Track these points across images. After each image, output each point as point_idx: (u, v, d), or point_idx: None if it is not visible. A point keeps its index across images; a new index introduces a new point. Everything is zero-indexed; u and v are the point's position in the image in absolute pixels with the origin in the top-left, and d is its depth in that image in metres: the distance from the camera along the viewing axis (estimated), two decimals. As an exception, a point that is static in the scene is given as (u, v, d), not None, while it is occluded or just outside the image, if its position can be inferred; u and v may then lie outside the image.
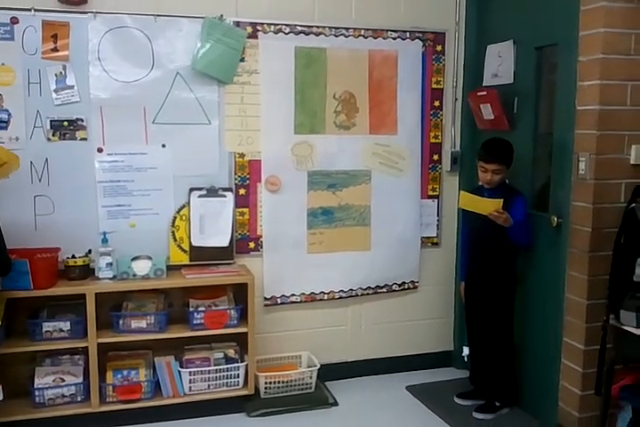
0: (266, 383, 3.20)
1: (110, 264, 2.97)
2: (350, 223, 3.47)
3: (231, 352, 3.14)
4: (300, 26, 3.26)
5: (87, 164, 3.04)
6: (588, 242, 2.66)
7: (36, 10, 2.89)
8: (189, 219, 3.18)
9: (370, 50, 3.38)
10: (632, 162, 2.66)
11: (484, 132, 3.36)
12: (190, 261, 3.19)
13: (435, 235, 3.66)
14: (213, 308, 3.08)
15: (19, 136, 2.93)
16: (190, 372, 3.04)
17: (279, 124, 3.28)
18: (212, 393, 3.08)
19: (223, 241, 3.21)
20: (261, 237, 3.33)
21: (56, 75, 2.96)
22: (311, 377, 3.30)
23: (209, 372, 3.07)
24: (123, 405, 2.95)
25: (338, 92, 3.35)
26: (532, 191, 3.13)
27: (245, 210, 3.30)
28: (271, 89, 3.25)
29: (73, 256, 2.96)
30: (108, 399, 2.95)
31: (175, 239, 3.18)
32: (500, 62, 3.28)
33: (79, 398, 2.93)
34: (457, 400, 3.28)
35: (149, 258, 3.03)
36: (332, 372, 3.47)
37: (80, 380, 2.93)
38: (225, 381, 3.10)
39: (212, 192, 3.20)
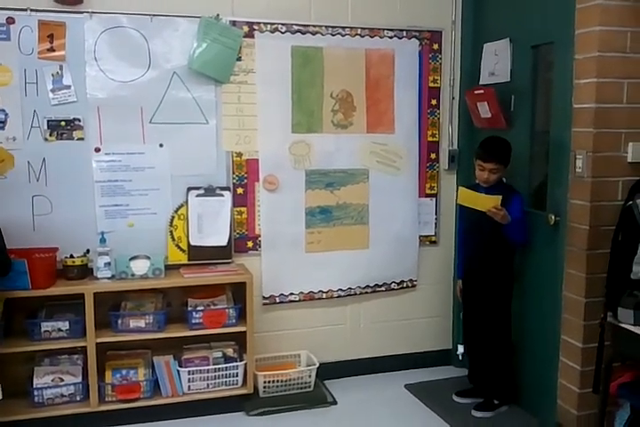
0: (265, 382, 3.18)
1: (108, 264, 2.95)
2: (348, 222, 3.45)
3: (230, 351, 3.12)
4: (297, 25, 3.24)
5: (85, 163, 3.02)
6: (585, 240, 2.65)
7: (31, 10, 2.87)
8: (187, 218, 3.16)
9: (366, 49, 3.36)
10: (629, 160, 2.64)
11: (482, 131, 3.35)
12: (189, 260, 3.17)
13: (433, 233, 3.64)
14: (212, 307, 3.07)
15: (16, 136, 2.91)
16: (189, 371, 3.03)
17: (276, 124, 3.27)
18: (210, 392, 3.07)
19: (221, 240, 3.19)
20: (260, 236, 3.31)
21: (53, 75, 2.94)
22: (310, 376, 3.28)
23: (208, 371, 3.05)
24: (122, 404, 2.94)
25: (335, 91, 3.34)
26: (529, 189, 3.12)
27: (243, 209, 3.28)
28: (268, 88, 3.23)
29: (71, 256, 2.95)
30: (107, 399, 2.94)
31: (173, 239, 3.16)
32: (497, 61, 3.27)
33: (78, 398, 2.91)
34: (455, 398, 3.26)
35: (148, 258, 3.01)
36: (330, 370, 3.45)
37: (79, 379, 2.91)
38: (224, 380, 3.08)
39: (210, 191, 3.18)
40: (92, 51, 2.97)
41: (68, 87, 2.96)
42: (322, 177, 3.38)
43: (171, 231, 3.16)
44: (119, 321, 2.94)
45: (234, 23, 3.14)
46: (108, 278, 2.96)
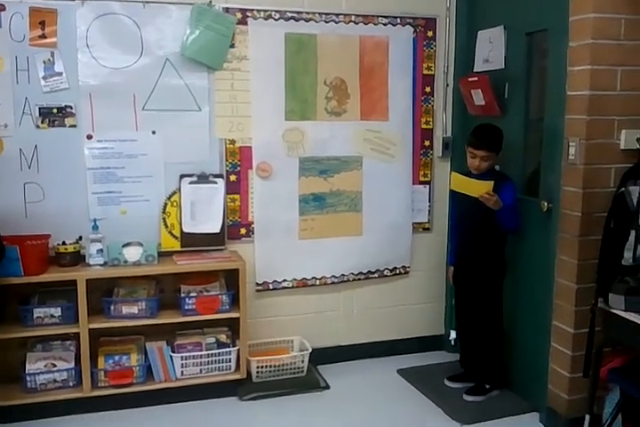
0: (258, 367, 3.16)
1: (101, 251, 2.91)
2: (342, 209, 3.40)
3: (223, 337, 3.09)
4: (290, 12, 3.17)
5: (77, 151, 2.97)
6: (577, 227, 2.62)
7: (23, -4, 2.80)
8: (180, 205, 3.11)
9: (360, 36, 3.29)
10: (622, 147, 2.59)
11: (476, 118, 3.29)
12: (182, 247, 3.12)
13: (426, 220, 3.60)
14: (205, 293, 3.03)
15: (7, 123, 2.85)
16: (182, 357, 2.99)
17: (270, 111, 3.20)
18: (203, 378, 3.04)
19: (214, 227, 3.15)
20: (253, 223, 3.27)
21: (44, 62, 2.87)
22: (303, 361, 3.25)
23: (201, 357, 3.02)
24: (114, 389, 2.91)
25: (329, 78, 3.27)
26: (522, 177, 3.07)
27: (236, 196, 3.23)
28: (261, 75, 3.16)
29: (63, 243, 2.90)
30: (99, 384, 2.91)
31: (166, 226, 3.11)
32: (491, 48, 3.21)
33: (71, 384, 2.88)
34: (447, 383, 3.24)
35: (140, 244, 2.97)
36: (323, 356, 3.42)
37: (72, 365, 2.88)
38: (217, 365, 3.05)
39: (203, 179, 3.13)
40: (84, 37, 2.90)
41: (60, 74, 2.90)
42: (315, 164, 3.32)
43: (164, 218, 3.11)
44: (112, 307, 2.90)
45: (227, 10, 3.07)
46: (101, 265, 2.92)
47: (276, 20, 3.15)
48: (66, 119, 2.93)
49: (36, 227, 2.90)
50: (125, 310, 2.90)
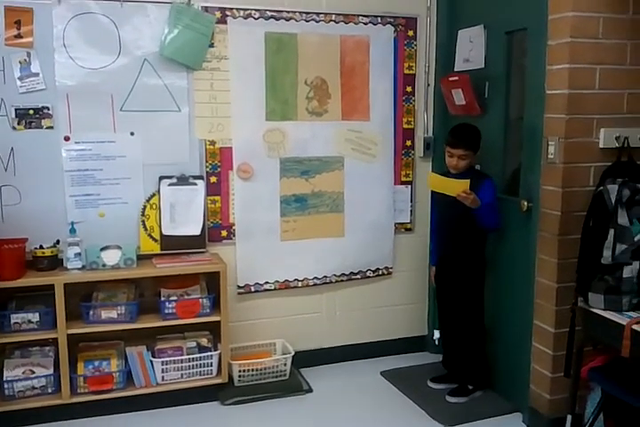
0: (240, 371, 3.17)
1: (79, 254, 2.91)
2: (324, 210, 3.44)
3: (204, 341, 3.11)
4: (270, 11, 3.20)
5: (54, 153, 2.97)
6: (557, 226, 2.66)
7: (-3, -5, 2.80)
8: (160, 208, 3.12)
9: (341, 35, 3.32)
10: (601, 145, 2.64)
11: (456, 118, 3.34)
12: (161, 250, 3.13)
13: (408, 221, 3.64)
14: (185, 297, 3.04)
15: (-18, 124, 2.86)
16: (163, 362, 3.00)
17: (250, 111, 3.23)
18: (185, 382, 3.05)
19: (195, 230, 3.16)
20: (234, 225, 3.28)
21: (20, 62, 2.87)
22: (285, 364, 3.27)
23: (182, 361, 3.03)
24: (94, 396, 2.91)
25: (309, 78, 3.30)
26: (503, 176, 3.12)
27: (217, 198, 3.24)
28: (241, 75, 3.18)
29: (41, 247, 2.90)
30: (79, 390, 2.90)
31: (145, 228, 3.12)
32: (471, 47, 3.25)
33: (50, 390, 2.88)
34: (430, 384, 3.28)
35: (119, 248, 2.97)
36: (307, 359, 3.45)
37: (50, 371, 2.88)
38: (198, 370, 3.07)
39: (183, 180, 3.14)
40: (61, 37, 2.90)
41: (37, 75, 2.90)
42: (296, 165, 3.35)
43: (143, 221, 3.12)
44: (91, 312, 2.91)
45: (206, 9, 3.09)
46: (79, 269, 2.92)
47: (255, 19, 3.17)
48: (43, 120, 2.93)
49: (12, 230, 2.89)
50: (105, 314, 2.90)
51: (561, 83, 2.60)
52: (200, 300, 3.04)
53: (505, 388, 3.13)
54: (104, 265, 2.93)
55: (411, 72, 3.52)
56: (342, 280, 3.54)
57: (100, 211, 3.05)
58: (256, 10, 3.17)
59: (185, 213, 3.14)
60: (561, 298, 2.68)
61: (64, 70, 2.93)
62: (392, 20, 3.42)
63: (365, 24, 3.37)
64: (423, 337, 3.76)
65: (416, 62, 3.52)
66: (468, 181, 2.83)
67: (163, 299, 3.00)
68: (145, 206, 3.12)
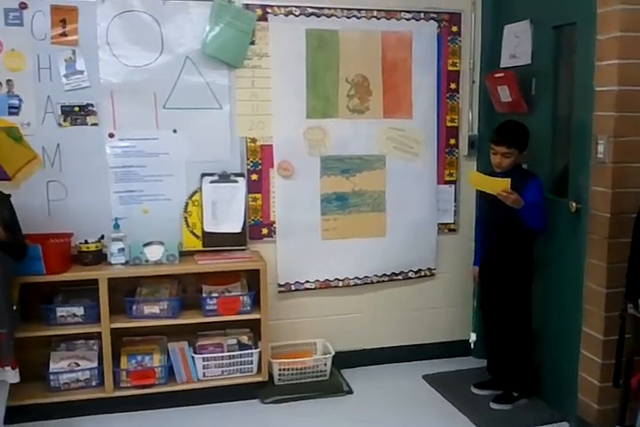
0: (280, 370, 3.26)
1: (122, 250, 3.04)
2: (365, 209, 3.50)
3: (244, 339, 3.21)
4: (311, 7, 3.28)
5: (99, 149, 3.12)
6: (607, 228, 2.63)
7: (44, -6, 2.94)
8: (201, 205, 3.24)
9: (383, 31, 3.38)
10: (653, 144, 2.61)
11: (502, 115, 3.34)
12: (203, 246, 3.25)
13: (452, 221, 3.68)
14: (226, 294, 3.15)
15: (30, 122, 3.01)
16: (204, 358, 3.11)
17: (291, 109, 3.32)
18: (225, 379, 3.15)
19: (236, 227, 3.27)
20: (274, 223, 3.38)
21: (66, 60, 3.03)
22: (326, 364, 3.35)
23: (222, 358, 3.14)
24: (136, 390, 3.04)
25: (350, 75, 3.38)
26: (550, 176, 3.11)
27: (258, 195, 3.35)
28: (282, 72, 3.28)
29: (86, 242, 3.05)
30: (121, 384, 3.04)
31: (188, 225, 3.25)
32: (518, 43, 3.27)
33: (93, 383, 3.02)
34: (474, 390, 3.29)
35: (162, 244, 3.10)
36: (347, 359, 3.52)
37: (95, 365, 3.02)
38: (238, 367, 3.17)
39: (224, 178, 3.26)
40: (105, 35, 3.05)
41: (81, 72, 3.05)
42: (337, 163, 3.43)
43: (185, 217, 3.24)
44: (134, 307, 3.04)
45: (247, 6, 3.19)
46: (122, 264, 3.05)
47: (296, 15, 3.27)
48: (87, 117, 3.08)
49: (58, 225, 3.05)
50: (147, 309, 3.03)
51: (610, 79, 2.58)
52: (241, 297, 3.14)
53: (552, 396, 3.11)
54: (147, 261, 3.06)
55: (455, 69, 3.56)
56: (383, 281, 3.59)
57: (143, 207, 3.20)
58: (297, 7, 3.26)
59: (226, 211, 3.26)
60: (610, 304, 2.65)
61: (108, 68, 3.07)
62: (435, 15, 3.46)
63: (408, 20, 3.42)
64: (467, 341, 3.68)
65: (460, 59, 3.55)
66: (509, 179, 2.82)
67: (204, 295, 3.11)
68: (187, 203, 3.24)
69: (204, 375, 3.14)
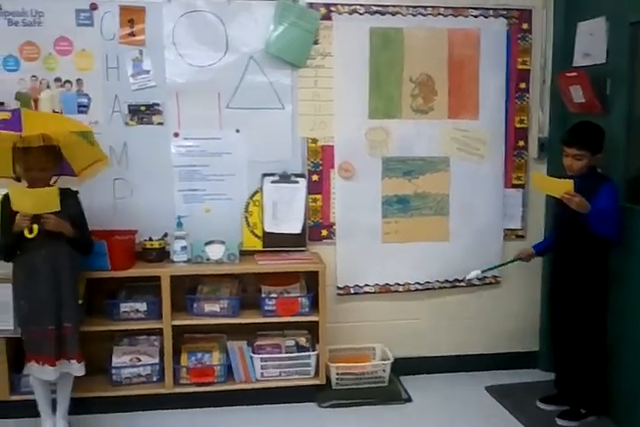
0: (338, 374, 3.32)
1: (185, 248, 3.18)
2: (427, 212, 3.54)
3: (302, 340, 3.30)
4: (375, 5, 3.36)
5: (164, 148, 3.28)
6: None
7: (113, -5, 3.11)
8: (262, 205, 3.35)
9: (449, 29, 3.43)
10: None
11: (575, 116, 3.31)
12: (263, 247, 3.37)
13: (519, 227, 3.66)
14: (285, 295, 3.25)
15: (98, 120, 3.20)
16: (262, 358, 3.22)
17: (353, 109, 3.40)
18: (283, 380, 3.25)
19: (296, 228, 3.38)
20: (334, 224, 3.46)
21: (133, 60, 3.21)
22: (385, 370, 3.39)
23: (281, 359, 3.23)
24: (196, 387, 3.16)
25: (414, 74, 3.43)
26: (625, 181, 3.05)
27: (318, 196, 3.45)
28: (345, 72, 3.36)
29: (150, 239, 3.21)
30: (181, 381, 3.17)
31: (248, 225, 3.37)
32: (592, 41, 3.25)
33: (154, 379, 3.16)
34: (539, 405, 3.26)
35: (223, 243, 3.22)
36: (406, 366, 3.55)
37: (156, 360, 3.17)
38: (296, 369, 3.26)
39: (285, 178, 3.37)
40: (171, 35, 3.21)
41: (148, 72, 3.22)
42: (399, 164, 3.48)
43: (246, 217, 3.37)
44: (195, 305, 3.17)
45: (311, 5, 3.30)
46: (184, 262, 3.19)
47: (360, 14, 3.35)
48: (153, 117, 3.25)
49: (123, 222, 3.23)
50: (208, 307, 3.16)
51: (690, 77, 2.54)
52: (299, 298, 3.24)
53: (622, 415, 3.04)
54: (208, 259, 3.19)
55: (525, 67, 3.56)
56: (445, 287, 3.62)
57: (205, 206, 3.34)
58: (361, 5, 3.34)
59: (286, 211, 3.37)
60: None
61: (173, 68, 3.23)
62: (505, 12, 3.48)
63: (475, 17, 3.45)
64: (534, 353, 3.74)
65: (531, 57, 3.55)
66: (572, 180, 2.79)
67: (263, 295, 3.22)
68: (248, 203, 3.37)
69: (261, 376, 3.24)
